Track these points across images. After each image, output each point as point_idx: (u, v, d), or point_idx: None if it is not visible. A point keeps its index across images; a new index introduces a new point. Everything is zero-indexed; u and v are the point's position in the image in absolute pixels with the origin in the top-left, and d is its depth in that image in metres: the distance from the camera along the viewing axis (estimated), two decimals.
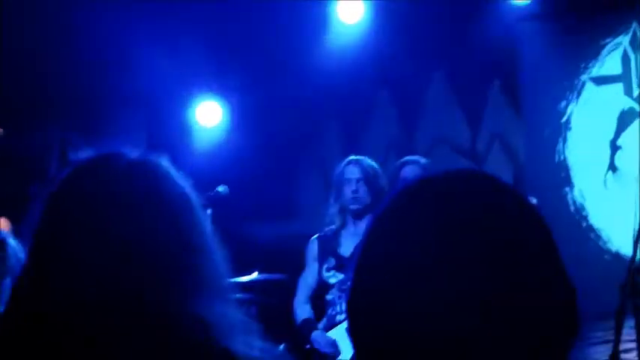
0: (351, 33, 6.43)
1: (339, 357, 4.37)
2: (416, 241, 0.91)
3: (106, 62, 6.30)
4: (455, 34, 6.33)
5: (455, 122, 6.72)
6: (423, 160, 4.84)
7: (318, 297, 4.60)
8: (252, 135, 6.71)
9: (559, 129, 6.29)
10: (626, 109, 6.09)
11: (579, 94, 6.25)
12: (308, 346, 4.43)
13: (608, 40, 6.15)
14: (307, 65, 6.40)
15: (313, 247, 4.64)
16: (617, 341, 3.52)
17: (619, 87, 6.15)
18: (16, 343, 1.19)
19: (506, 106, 6.62)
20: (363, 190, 4.49)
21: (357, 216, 4.54)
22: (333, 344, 4.37)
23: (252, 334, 1.23)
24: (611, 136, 6.11)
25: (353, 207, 4.51)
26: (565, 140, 6.27)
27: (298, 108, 6.69)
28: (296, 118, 6.74)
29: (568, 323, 0.91)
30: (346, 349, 4.34)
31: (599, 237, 6.05)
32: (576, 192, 6.20)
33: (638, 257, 3.57)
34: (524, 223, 0.92)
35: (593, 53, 6.19)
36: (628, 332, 3.74)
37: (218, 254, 1.27)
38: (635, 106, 6.04)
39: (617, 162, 6.08)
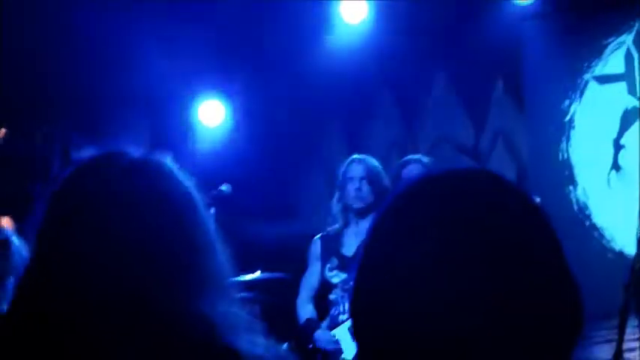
0: (354, 33, 6.43)
1: (342, 356, 4.37)
2: (418, 240, 0.90)
3: (109, 61, 6.30)
4: (458, 34, 6.32)
5: (458, 121, 6.72)
6: (425, 159, 4.84)
7: (321, 297, 4.60)
8: (255, 134, 6.71)
9: (562, 128, 6.28)
10: (629, 107, 6.08)
11: (582, 93, 6.24)
12: (310, 346, 4.43)
13: (611, 39, 6.15)
14: (310, 65, 6.40)
15: (316, 247, 4.64)
16: (620, 340, 3.51)
17: (622, 86, 6.14)
18: (20, 342, 1.19)
19: (509, 106, 6.62)
20: (366, 189, 4.49)
21: (360, 215, 4.53)
22: (336, 341, 4.37)
23: (256, 332, 1.23)
24: (615, 134, 6.11)
25: (356, 205, 4.51)
26: (568, 139, 6.26)
27: (301, 107, 6.69)
28: (299, 118, 6.74)
29: (572, 323, 0.90)
30: (349, 349, 4.34)
31: (602, 236, 6.05)
32: (579, 191, 6.20)
33: None
34: (528, 222, 0.92)
35: (597, 52, 6.18)
36: (631, 331, 3.74)
37: (221, 253, 1.27)
38: (639, 104, 6.04)
39: (620, 161, 6.07)
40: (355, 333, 0.95)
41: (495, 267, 0.88)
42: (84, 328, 1.16)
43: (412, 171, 4.64)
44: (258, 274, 5.07)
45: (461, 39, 6.32)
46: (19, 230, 2.29)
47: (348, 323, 4.36)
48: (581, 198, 6.18)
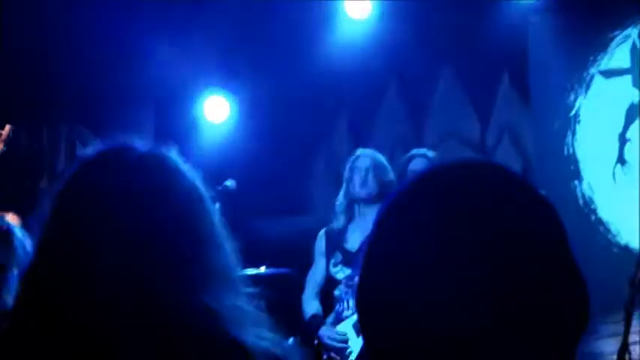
0: (359, 28, 6.42)
1: (347, 353, 4.37)
2: (423, 235, 0.90)
3: (114, 58, 6.30)
4: (463, 28, 6.31)
5: (464, 116, 6.71)
6: (430, 154, 4.84)
7: (326, 293, 4.61)
8: (260, 130, 6.70)
9: (568, 122, 6.27)
10: (635, 101, 6.06)
11: (588, 87, 6.22)
12: (316, 342, 4.43)
13: (616, 33, 6.12)
14: (316, 61, 6.39)
15: (321, 242, 4.64)
16: (626, 334, 3.51)
17: (628, 80, 6.12)
18: (26, 338, 1.19)
19: (515, 100, 6.60)
20: (371, 180, 4.50)
21: (365, 205, 4.52)
22: (341, 338, 4.37)
23: (262, 326, 1.23)
24: (620, 129, 6.09)
25: (361, 194, 4.50)
26: (574, 133, 6.25)
27: (307, 103, 6.68)
28: (304, 114, 6.73)
29: (579, 317, 0.90)
30: (353, 345, 4.33)
31: (608, 230, 6.03)
32: (585, 185, 6.18)
33: None
34: (535, 214, 0.91)
35: (602, 46, 6.16)
36: (637, 325, 3.74)
37: (228, 246, 1.27)
38: None
39: (626, 155, 6.06)
40: (362, 329, 0.95)
41: (502, 261, 0.87)
42: (90, 322, 1.17)
43: (417, 165, 4.64)
44: (263, 269, 5.07)
45: (466, 34, 6.31)
46: (25, 226, 2.29)
47: (353, 319, 4.36)
48: (587, 192, 6.17)
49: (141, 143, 1.30)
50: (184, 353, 1.15)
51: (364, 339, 0.94)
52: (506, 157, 6.47)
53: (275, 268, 5.12)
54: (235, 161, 6.33)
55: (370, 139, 6.48)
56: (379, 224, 0.94)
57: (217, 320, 1.18)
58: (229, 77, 6.68)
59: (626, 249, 5.84)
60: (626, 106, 6.09)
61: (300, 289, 4.67)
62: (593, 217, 6.09)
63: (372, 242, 0.94)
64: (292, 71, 6.47)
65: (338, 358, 4.38)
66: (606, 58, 6.17)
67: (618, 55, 6.13)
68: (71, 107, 6.72)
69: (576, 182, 6.20)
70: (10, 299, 2.18)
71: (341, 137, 6.99)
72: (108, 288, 1.17)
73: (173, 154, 1.31)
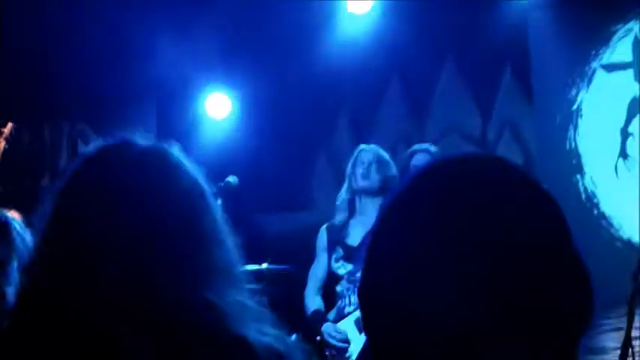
0: (360, 25, 6.41)
1: (349, 350, 4.37)
2: (426, 231, 0.89)
3: (116, 55, 6.30)
4: (465, 23, 6.30)
5: (465, 110, 6.70)
6: (432, 148, 4.83)
7: (328, 288, 4.61)
8: (262, 127, 6.70)
9: (570, 116, 6.26)
10: (637, 95, 6.05)
11: (590, 81, 6.21)
12: (318, 338, 4.43)
13: (618, 27, 6.11)
14: (317, 56, 6.39)
15: (322, 238, 4.64)
16: (629, 328, 3.51)
17: (630, 73, 6.11)
18: (28, 336, 1.19)
19: (517, 94, 6.60)
20: (374, 172, 4.51)
21: (367, 198, 4.52)
22: (341, 335, 4.36)
23: (265, 322, 1.23)
24: (622, 123, 6.08)
25: (363, 184, 4.50)
26: (576, 127, 6.24)
27: (308, 99, 6.68)
28: (306, 109, 6.73)
29: (582, 311, 0.90)
30: (355, 342, 4.33)
31: (610, 224, 6.03)
32: (587, 179, 6.18)
33: None
34: (538, 209, 0.91)
35: (604, 40, 6.15)
36: None
37: (230, 242, 1.27)
38: None
39: (628, 149, 6.05)
40: (364, 325, 0.94)
41: (505, 256, 0.87)
42: (91, 319, 1.16)
43: (420, 160, 4.64)
44: (264, 265, 5.08)
45: (468, 28, 6.30)
46: (27, 223, 2.29)
47: (354, 316, 4.36)
48: (589, 187, 6.16)
49: (142, 139, 1.30)
50: (186, 349, 1.15)
51: (367, 334, 0.94)
52: (508, 151, 6.47)
53: (277, 264, 5.12)
54: (237, 157, 6.33)
55: (372, 135, 6.48)
56: (382, 220, 0.94)
57: (219, 316, 1.17)
58: (231, 74, 6.68)
59: (628, 243, 5.84)
60: (628, 100, 6.08)
61: (302, 285, 4.67)
62: (595, 212, 6.09)
63: (375, 237, 0.94)
64: (294, 68, 6.46)
65: (338, 355, 4.38)
66: (608, 52, 6.16)
67: (620, 49, 6.12)
68: (73, 105, 6.72)
69: (578, 177, 6.19)
70: (11, 293, 2.18)
71: (342, 133, 6.99)
72: (109, 284, 1.17)
73: (175, 150, 1.31)
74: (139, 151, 1.28)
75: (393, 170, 4.59)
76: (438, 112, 6.80)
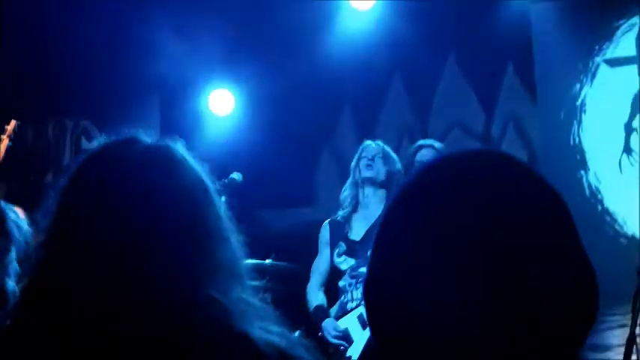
0: (363, 20, 6.41)
1: (352, 346, 4.36)
2: (431, 227, 0.89)
3: (119, 51, 6.30)
4: (468, 18, 6.29)
5: (469, 106, 6.70)
6: (437, 144, 4.83)
7: (331, 283, 4.60)
8: (265, 123, 6.70)
9: (573, 112, 6.25)
10: None
11: (594, 76, 6.20)
12: (320, 334, 4.42)
13: (622, 22, 6.10)
14: (320, 52, 6.38)
15: (325, 232, 4.64)
16: (633, 324, 3.50)
17: (633, 69, 6.09)
18: (30, 333, 1.19)
19: (520, 90, 6.59)
20: (378, 164, 4.52)
21: (370, 189, 4.52)
22: (343, 335, 4.36)
23: (268, 319, 1.23)
24: (626, 118, 6.07)
25: (367, 174, 4.51)
26: (580, 123, 6.23)
27: (311, 95, 6.67)
28: (309, 105, 6.73)
29: (588, 309, 0.89)
30: (357, 338, 4.33)
31: (614, 220, 6.02)
32: (591, 175, 6.17)
33: None
34: (543, 205, 0.90)
35: (607, 35, 6.14)
36: None
37: (234, 239, 1.27)
38: None
39: (632, 144, 6.04)
40: (369, 320, 0.94)
41: (510, 253, 0.87)
42: (95, 316, 1.16)
43: (425, 156, 4.65)
44: (268, 262, 5.07)
45: (471, 23, 6.29)
46: (31, 220, 2.28)
47: (357, 312, 4.35)
48: (593, 182, 6.15)
49: (146, 136, 1.30)
50: (189, 347, 1.15)
51: (371, 330, 0.94)
52: (512, 147, 6.46)
53: (281, 260, 5.12)
54: (240, 154, 6.33)
55: (375, 132, 6.48)
56: (388, 215, 0.94)
57: (223, 314, 1.17)
58: (234, 70, 6.68)
59: (632, 239, 5.83)
60: (631, 95, 6.07)
61: (305, 281, 4.67)
62: (599, 208, 6.08)
63: (381, 233, 0.94)
64: (297, 64, 6.46)
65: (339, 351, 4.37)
66: (612, 46, 6.14)
67: (624, 44, 6.10)
68: (76, 102, 6.72)
69: (582, 172, 6.18)
70: (10, 282, 2.17)
71: (346, 130, 6.99)
72: (113, 282, 1.17)
73: (179, 147, 1.30)
74: (143, 148, 1.28)
75: (398, 165, 4.60)
76: (441, 108, 6.79)
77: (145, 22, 6.16)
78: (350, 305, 4.42)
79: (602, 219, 6.04)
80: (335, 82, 6.59)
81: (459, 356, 0.86)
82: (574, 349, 0.89)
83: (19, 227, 2.29)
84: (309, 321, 4.53)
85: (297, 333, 4.62)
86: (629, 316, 3.53)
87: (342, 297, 4.50)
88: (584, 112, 6.23)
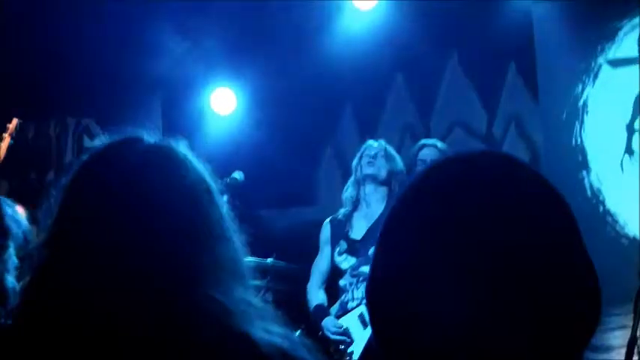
0: (365, 19, 6.41)
1: (352, 345, 4.36)
2: (434, 227, 0.89)
3: (121, 49, 6.30)
4: (470, 18, 6.28)
5: (471, 106, 6.69)
6: (440, 144, 4.84)
7: (331, 282, 4.61)
8: (267, 122, 6.70)
9: (576, 113, 6.24)
10: None
11: (596, 76, 6.19)
12: (320, 333, 4.43)
13: (624, 22, 6.09)
14: (322, 51, 6.38)
15: (326, 231, 4.64)
16: (635, 326, 3.50)
17: (636, 69, 6.08)
18: (33, 333, 1.19)
19: (522, 90, 6.58)
20: (380, 162, 4.53)
21: (371, 187, 4.52)
22: (343, 332, 4.36)
23: (270, 319, 1.22)
24: (628, 119, 6.06)
25: (368, 171, 4.51)
26: (582, 124, 6.22)
27: (313, 94, 6.67)
28: (311, 105, 6.73)
29: (591, 310, 0.89)
30: (358, 337, 4.33)
31: (616, 221, 6.01)
32: (593, 176, 6.16)
33: None
34: (546, 206, 0.90)
35: (610, 35, 6.13)
36: None
37: (236, 239, 1.27)
38: None
39: (634, 145, 6.03)
40: (371, 319, 0.94)
41: (512, 254, 0.87)
42: (96, 316, 1.16)
43: (427, 155, 4.66)
44: (270, 261, 5.08)
45: (473, 23, 6.29)
46: (33, 218, 2.28)
47: (358, 311, 4.35)
48: (595, 183, 6.15)
49: (148, 135, 1.30)
50: (192, 347, 1.15)
51: (373, 328, 0.94)
52: (514, 148, 6.46)
53: (282, 259, 5.13)
54: (242, 153, 6.33)
55: (377, 131, 6.48)
56: (391, 216, 0.94)
57: (224, 314, 1.17)
58: (236, 69, 6.68)
59: (634, 240, 5.82)
60: (634, 96, 6.06)
61: (306, 281, 4.67)
62: (601, 209, 6.07)
63: (384, 234, 0.94)
64: (299, 63, 6.46)
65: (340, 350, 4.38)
66: (614, 47, 6.13)
67: (626, 45, 6.09)
68: (78, 100, 6.73)
69: (584, 173, 6.18)
70: (9, 278, 2.17)
71: (348, 129, 6.99)
72: (115, 281, 1.17)
73: (181, 147, 1.30)
74: (145, 148, 1.27)
75: (400, 165, 4.60)
76: (443, 108, 6.79)
77: (147, 21, 6.16)
78: (351, 304, 4.42)
79: (604, 220, 6.03)
80: (337, 81, 6.59)
81: (460, 357, 0.86)
82: (577, 351, 0.89)
83: (16, 222, 2.28)
84: (309, 320, 4.53)
85: (297, 332, 4.63)
86: (631, 317, 3.52)
87: (343, 296, 4.50)
88: (587, 112, 6.22)
